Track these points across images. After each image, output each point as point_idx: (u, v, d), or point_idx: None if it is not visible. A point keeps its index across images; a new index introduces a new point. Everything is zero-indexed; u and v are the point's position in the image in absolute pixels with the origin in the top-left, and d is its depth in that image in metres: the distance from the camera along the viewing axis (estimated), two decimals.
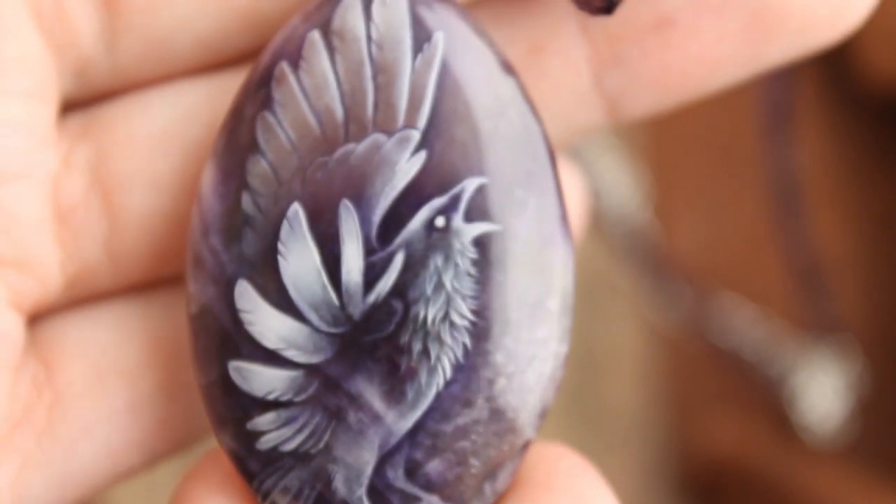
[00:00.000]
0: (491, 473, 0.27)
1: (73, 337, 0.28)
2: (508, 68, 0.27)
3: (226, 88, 0.28)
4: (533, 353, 0.27)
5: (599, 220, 0.58)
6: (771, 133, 0.58)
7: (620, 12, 0.28)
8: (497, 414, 0.26)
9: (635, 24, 0.28)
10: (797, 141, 0.58)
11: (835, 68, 0.61)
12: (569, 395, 0.59)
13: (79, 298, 0.28)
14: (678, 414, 0.62)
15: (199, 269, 0.26)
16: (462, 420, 0.26)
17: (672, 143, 0.62)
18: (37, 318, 0.28)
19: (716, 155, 0.62)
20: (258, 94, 0.26)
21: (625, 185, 0.59)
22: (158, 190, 0.28)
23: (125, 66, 0.28)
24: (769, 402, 0.60)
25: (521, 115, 0.27)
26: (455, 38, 0.26)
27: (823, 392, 0.59)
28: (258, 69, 0.27)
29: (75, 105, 0.28)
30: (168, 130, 0.28)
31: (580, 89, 0.29)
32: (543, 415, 0.27)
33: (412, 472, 0.26)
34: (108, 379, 0.28)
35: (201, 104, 0.28)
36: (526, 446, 0.27)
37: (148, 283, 0.28)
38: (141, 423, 0.28)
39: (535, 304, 0.26)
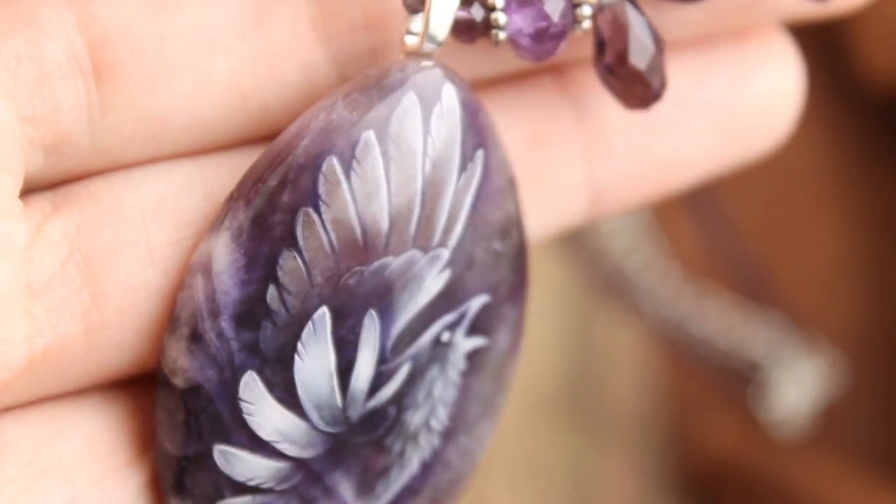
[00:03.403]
0: None
1: (8, 438, 0.26)
2: (515, 181, 0.27)
3: (217, 164, 0.27)
4: (476, 446, 0.28)
5: (598, 219, 0.58)
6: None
7: (614, 103, 0.28)
8: (435, 500, 0.28)
9: (627, 117, 0.28)
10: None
11: (835, 68, 0.61)
12: (569, 395, 0.59)
13: (39, 385, 0.26)
14: (678, 414, 0.62)
15: (199, 347, 0.26)
16: None
17: None
18: None
19: None
20: (299, 184, 0.25)
21: None
22: (153, 264, 0.26)
23: (107, 146, 0.26)
24: (737, 396, 0.60)
25: (519, 232, 0.27)
26: (490, 153, 0.26)
27: (789, 387, 0.59)
28: (297, 151, 0.25)
29: (40, 185, 0.26)
30: (163, 201, 0.26)
31: (573, 183, 0.29)
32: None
33: None
34: (45, 478, 0.26)
35: (195, 179, 0.26)
36: None
37: (118, 366, 0.27)
38: None
39: (487, 401, 0.28)
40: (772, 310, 0.59)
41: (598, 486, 0.60)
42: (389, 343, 0.26)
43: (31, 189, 0.26)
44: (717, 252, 0.59)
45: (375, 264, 0.25)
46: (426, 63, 0.26)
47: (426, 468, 0.27)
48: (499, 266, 0.27)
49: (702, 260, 0.61)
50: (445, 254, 0.26)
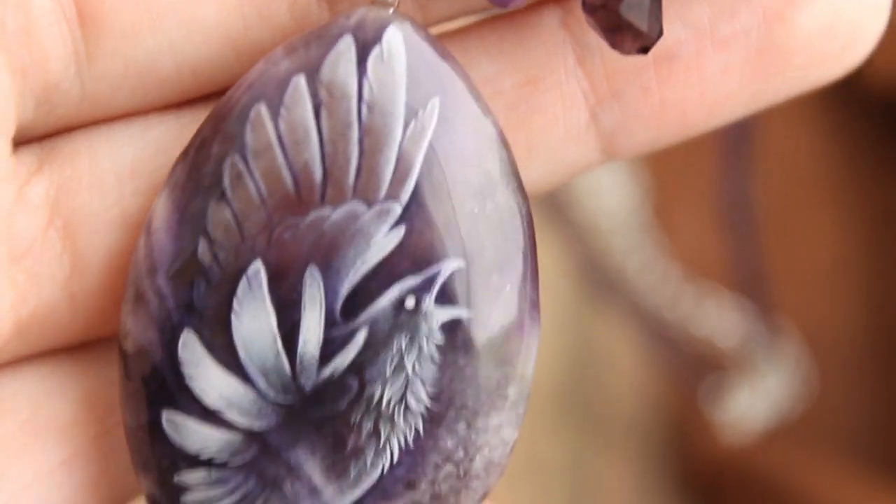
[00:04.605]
0: None
1: (5, 394, 0.26)
2: (502, 140, 0.25)
3: (200, 121, 0.26)
4: (485, 440, 0.26)
5: (598, 218, 0.58)
6: (729, 153, 0.58)
7: None
8: (438, 498, 0.26)
9: (636, 58, 0.27)
10: (754, 162, 0.58)
11: None
12: (568, 394, 0.59)
13: (28, 349, 0.26)
14: (678, 414, 0.62)
15: (140, 307, 0.25)
16: (402, 501, 0.26)
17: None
18: None
19: (715, 152, 0.62)
20: (229, 133, 0.24)
21: (623, 183, 0.59)
22: (126, 229, 0.26)
23: (97, 94, 0.26)
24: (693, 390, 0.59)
25: (508, 194, 0.25)
26: (452, 104, 0.25)
27: (748, 392, 0.59)
28: (231, 102, 0.25)
29: (32, 136, 0.26)
30: (138, 165, 0.26)
31: (576, 125, 0.27)
32: (485, 497, 0.27)
33: None
34: (44, 436, 0.26)
35: (173, 138, 0.26)
36: None
37: (105, 330, 0.26)
38: (75, 479, 0.26)
39: (493, 390, 0.26)
40: (758, 311, 0.59)
41: (598, 486, 0.60)
42: (338, 304, 0.24)
43: (21, 141, 0.26)
44: (728, 243, 0.59)
45: (311, 215, 0.24)
46: (383, 11, 0.24)
47: (413, 455, 0.25)
48: (476, 230, 0.25)
49: (701, 252, 0.61)
50: (397, 208, 0.24)
